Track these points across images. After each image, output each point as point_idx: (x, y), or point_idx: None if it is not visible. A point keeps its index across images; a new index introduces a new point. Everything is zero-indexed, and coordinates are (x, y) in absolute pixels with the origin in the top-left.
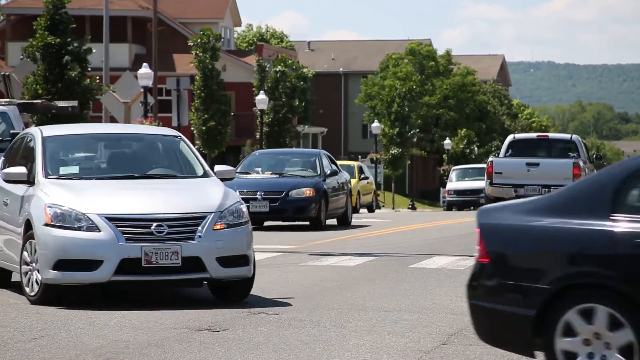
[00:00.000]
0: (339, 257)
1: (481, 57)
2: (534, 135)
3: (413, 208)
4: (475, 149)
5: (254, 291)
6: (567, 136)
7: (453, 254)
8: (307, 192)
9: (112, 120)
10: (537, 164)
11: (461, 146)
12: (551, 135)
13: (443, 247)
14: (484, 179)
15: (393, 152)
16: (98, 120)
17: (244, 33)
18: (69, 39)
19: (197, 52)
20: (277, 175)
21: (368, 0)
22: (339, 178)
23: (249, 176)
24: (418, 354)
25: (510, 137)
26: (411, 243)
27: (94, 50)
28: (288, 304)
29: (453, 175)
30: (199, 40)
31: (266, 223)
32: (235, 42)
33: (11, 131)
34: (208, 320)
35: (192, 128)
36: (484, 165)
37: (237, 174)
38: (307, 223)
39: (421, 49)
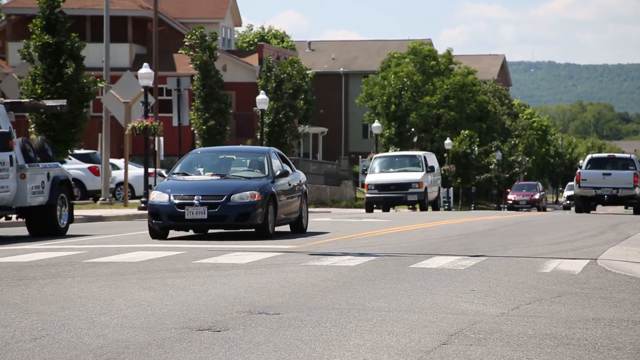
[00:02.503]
0: (339, 257)
1: (482, 57)
2: (605, 155)
3: (413, 208)
4: (476, 148)
5: (255, 291)
6: (627, 155)
7: (453, 254)
8: (252, 195)
9: (113, 120)
10: (609, 174)
11: (463, 147)
12: (617, 155)
13: (443, 247)
14: (414, 170)
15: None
16: (98, 120)
17: (245, 33)
18: (63, 39)
19: (189, 52)
20: (219, 177)
21: (368, 0)
22: (291, 179)
23: (186, 178)
24: (418, 354)
25: (589, 156)
26: (411, 243)
27: (84, 45)
28: (288, 304)
29: (375, 164)
30: (194, 40)
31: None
32: (236, 42)
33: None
34: (208, 320)
35: (192, 128)
36: (416, 153)
37: (173, 175)
38: (253, 230)
39: (422, 48)
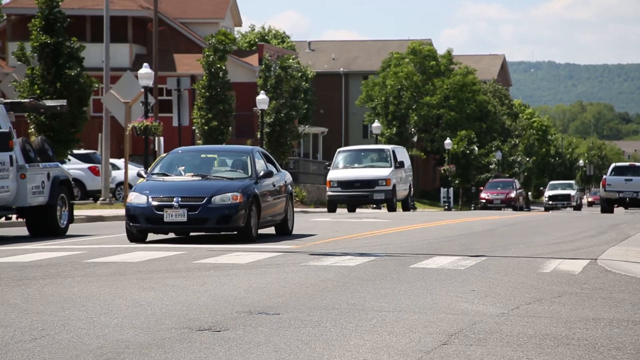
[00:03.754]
0: (339, 257)
1: (481, 57)
2: (627, 164)
3: (413, 208)
4: (476, 148)
5: (255, 291)
6: None
7: (453, 254)
8: (234, 197)
9: (113, 120)
10: (631, 180)
11: (462, 147)
12: (637, 164)
13: (443, 247)
14: (382, 166)
15: None
16: (98, 120)
17: (247, 34)
18: (61, 39)
19: (208, 51)
20: (200, 178)
21: (368, 0)
22: (276, 180)
23: (166, 178)
24: (418, 354)
25: (613, 165)
26: (411, 243)
27: (84, 47)
28: (288, 304)
29: (339, 159)
30: (213, 40)
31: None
32: (237, 42)
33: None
34: (208, 320)
35: (193, 127)
36: (384, 147)
37: (152, 176)
38: (235, 233)
39: (422, 48)
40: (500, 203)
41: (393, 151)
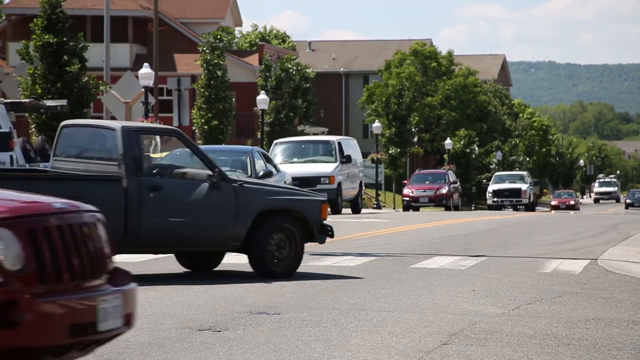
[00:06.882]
0: (339, 257)
1: (482, 57)
2: None
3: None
4: (476, 148)
5: (255, 291)
6: None
7: (454, 254)
8: None
9: (113, 120)
10: None
11: (461, 147)
12: None
13: (444, 247)
14: (326, 160)
15: (391, 152)
16: (98, 119)
17: (249, 33)
18: (65, 39)
19: (204, 49)
20: None
21: (368, 0)
22: (275, 180)
23: None
24: (419, 354)
25: None
26: (412, 243)
27: (89, 46)
28: (288, 304)
29: (277, 152)
30: (210, 39)
31: None
32: (237, 42)
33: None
34: (209, 320)
35: (193, 127)
36: (329, 138)
37: None
38: None
39: (424, 49)
40: (429, 201)
41: (339, 143)
